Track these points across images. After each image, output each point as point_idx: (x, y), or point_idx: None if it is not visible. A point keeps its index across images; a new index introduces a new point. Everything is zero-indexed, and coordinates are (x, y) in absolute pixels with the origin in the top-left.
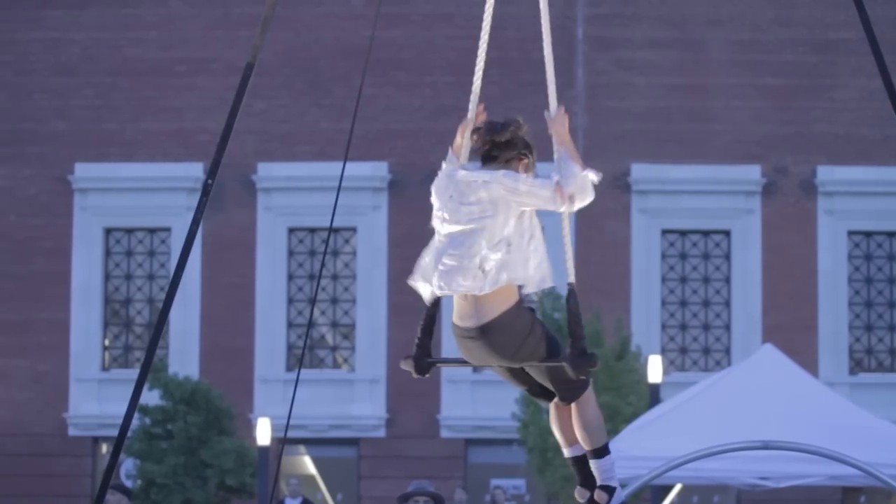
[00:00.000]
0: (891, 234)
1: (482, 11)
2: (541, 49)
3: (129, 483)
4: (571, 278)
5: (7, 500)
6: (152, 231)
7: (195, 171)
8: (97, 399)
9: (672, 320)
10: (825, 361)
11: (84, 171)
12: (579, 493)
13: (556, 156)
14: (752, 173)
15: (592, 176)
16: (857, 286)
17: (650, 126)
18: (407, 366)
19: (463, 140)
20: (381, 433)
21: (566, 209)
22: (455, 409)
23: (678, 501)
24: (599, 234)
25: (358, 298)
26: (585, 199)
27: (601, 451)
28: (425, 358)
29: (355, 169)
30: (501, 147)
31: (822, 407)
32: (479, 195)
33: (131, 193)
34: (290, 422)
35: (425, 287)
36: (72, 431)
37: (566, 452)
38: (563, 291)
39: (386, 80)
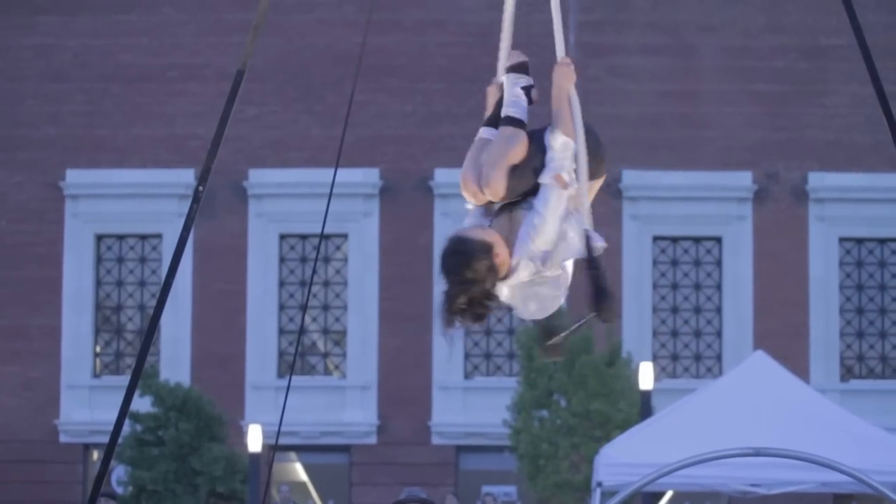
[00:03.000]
0: (882, 241)
1: (474, 18)
2: (534, 53)
3: (120, 490)
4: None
5: None
6: (143, 237)
7: (186, 177)
8: (88, 406)
9: (663, 327)
10: (816, 368)
11: (75, 178)
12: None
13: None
14: (744, 180)
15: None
16: (849, 293)
17: (642, 132)
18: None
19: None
20: (373, 440)
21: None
22: (446, 416)
23: None
24: None
25: (349, 305)
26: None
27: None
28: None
29: (347, 175)
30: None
31: (813, 414)
32: None
33: (123, 200)
34: (282, 428)
35: None
36: (63, 438)
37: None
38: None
39: (377, 87)
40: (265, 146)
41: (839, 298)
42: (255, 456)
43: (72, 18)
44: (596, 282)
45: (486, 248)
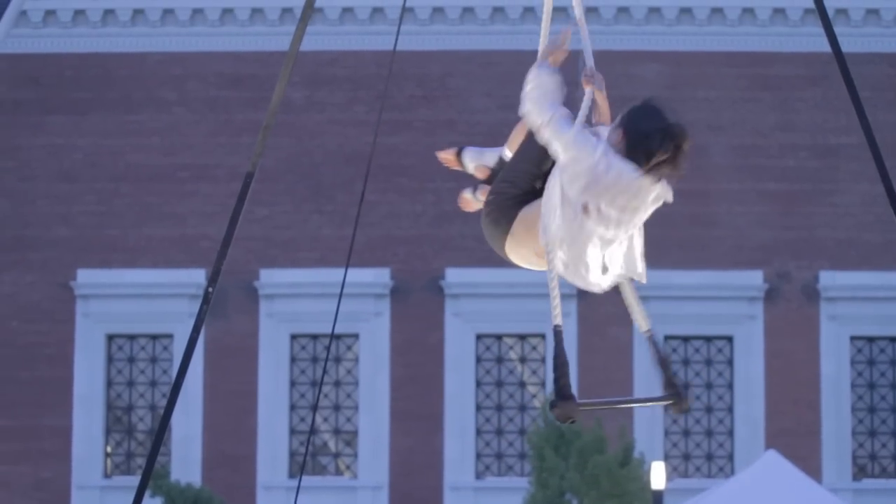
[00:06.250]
0: (893, 340)
1: (484, 118)
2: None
3: None
4: (557, 321)
5: None
6: (154, 337)
7: (197, 277)
8: None
9: (675, 426)
10: (829, 467)
11: (86, 278)
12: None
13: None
14: (755, 279)
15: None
16: (861, 391)
17: (652, 231)
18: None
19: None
20: None
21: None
22: None
23: None
24: (602, 340)
25: (360, 405)
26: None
27: None
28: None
29: (357, 275)
30: None
31: None
32: None
33: (133, 300)
34: None
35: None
36: None
37: None
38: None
39: (388, 187)
40: (276, 246)
41: (851, 397)
42: None
43: (82, 118)
44: (667, 374)
45: None
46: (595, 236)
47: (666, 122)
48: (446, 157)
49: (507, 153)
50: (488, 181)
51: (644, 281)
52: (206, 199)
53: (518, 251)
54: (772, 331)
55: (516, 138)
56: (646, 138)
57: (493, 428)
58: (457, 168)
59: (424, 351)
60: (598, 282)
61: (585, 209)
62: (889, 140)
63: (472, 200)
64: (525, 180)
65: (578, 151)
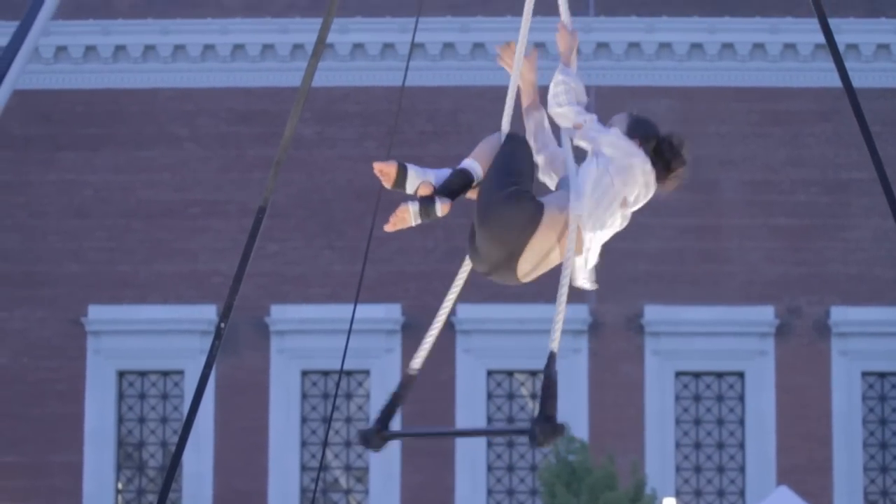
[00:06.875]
0: None
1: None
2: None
3: None
4: (554, 346)
5: None
6: (165, 374)
7: (208, 313)
8: None
9: (686, 462)
10: (840, 503)
11: (97, 314)
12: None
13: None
14: (766, 314)
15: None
16: (872, 427)
17: (663, 267)
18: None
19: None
20: None
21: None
22: None
23: None
24: (613, 376)
25: None
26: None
27: None
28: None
29: (368, 311)
30: None
31: None
32: None
33: (144, 336)
34: None
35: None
36: None
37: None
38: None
39: None
40: (287, 282)
41: (862, 433)
42: None
43: (93, 154)
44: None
45: None
46: (615, 229)
47: (678, 139)
48: (385, 168)
49: (476, 165)
50: (429, 199)
51: (589, 288)
52: (217, 235)
53: (540, 245)
54: (783, 366)
55: (484, 152)
56: (671, 152)
57: (505, 464)
58: (389, 184)
59: (435, 387)
60: (583, 278)
61: (625, 202)
62: None
63: (410, 216)
64: (530, 179)
65: (629, 148)
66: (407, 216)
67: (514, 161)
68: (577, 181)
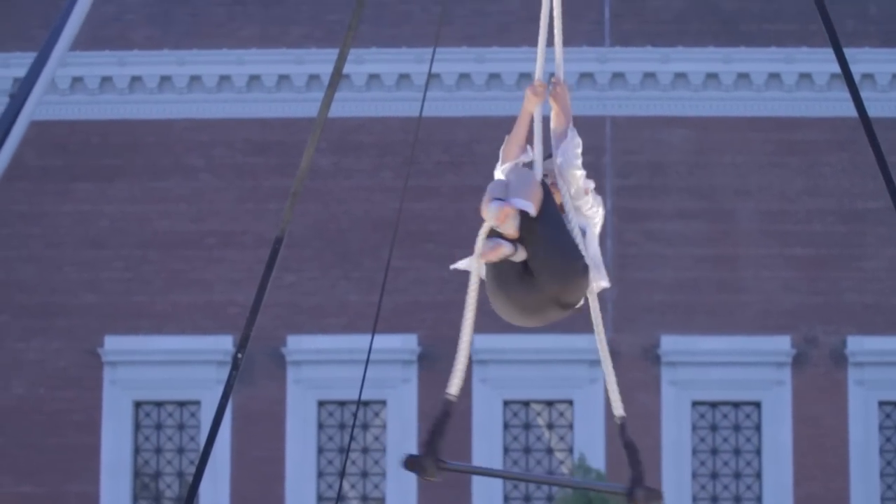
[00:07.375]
0: None
1: None
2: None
3: None
4: (619, 411)
5: None
6: (182, 404)
7: (225, 343)
8: None
9: (703, 492)
10: None
11: (114, 344)
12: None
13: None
14: (782, 344)
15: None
16: (889, 457)
17: (679, 297)
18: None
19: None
20: None
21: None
22: None
23: None
24: (630, 406)
25: (388, 472)
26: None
27: None
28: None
29: (385, 342)
30: None
31: None
32: None
33: (161, 366)
34: None
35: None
36: None
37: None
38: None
39: (415, 253)
40: (303, 312)
41: (879, 463)
42: None
43: (109, 185)
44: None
45: None
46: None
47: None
48: (511, 211)
49: (529, 205)
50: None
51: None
52: (233, 266)
53: (581, 291)
54: (800, 396)
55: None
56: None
57: (521, 495)
58: (510, 231)
59: (453, 417)
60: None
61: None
62: None
63: (507, 248)
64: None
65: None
66: (504, 250)
67: (561, 233)
68: (592, 256)
